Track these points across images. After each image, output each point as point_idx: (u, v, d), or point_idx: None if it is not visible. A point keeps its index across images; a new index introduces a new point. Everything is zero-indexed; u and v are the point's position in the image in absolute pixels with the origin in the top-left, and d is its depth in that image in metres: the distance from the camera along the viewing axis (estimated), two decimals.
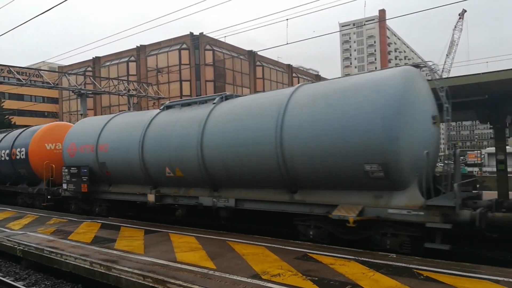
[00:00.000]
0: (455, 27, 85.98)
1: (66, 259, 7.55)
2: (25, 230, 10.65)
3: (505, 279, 5.32)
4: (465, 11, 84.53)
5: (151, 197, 11.18)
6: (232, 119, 9.42)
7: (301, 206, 8.38)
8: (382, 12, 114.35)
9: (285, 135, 8.11)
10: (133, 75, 47.35)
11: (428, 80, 8.64)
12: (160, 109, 12.09)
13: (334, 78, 9.30)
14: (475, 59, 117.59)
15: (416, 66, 8.28)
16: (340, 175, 7.63)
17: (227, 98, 10.57)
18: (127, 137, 11.79)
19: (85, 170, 12.89)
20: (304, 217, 8.42)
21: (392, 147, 6.93)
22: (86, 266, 7.06)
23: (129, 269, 6.44)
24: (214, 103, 10.40)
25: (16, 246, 8.89)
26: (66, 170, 13.60)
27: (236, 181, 9.45)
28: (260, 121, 8.71)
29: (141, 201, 11.75)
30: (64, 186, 13.80)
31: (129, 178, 12.05)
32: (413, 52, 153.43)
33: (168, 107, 11.84)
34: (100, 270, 6.76)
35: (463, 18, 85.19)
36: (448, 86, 8.28)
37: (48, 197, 15.25)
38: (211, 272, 6.14)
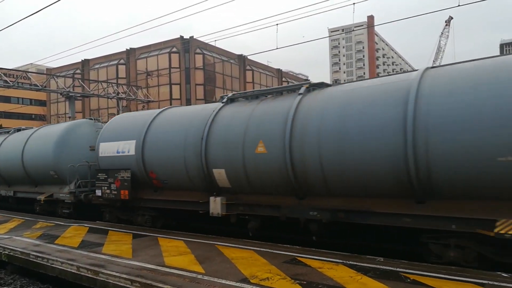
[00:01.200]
0: (442, 33, 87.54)
1: (53, 264, 7.45)
2: (11, 234, 10.50)
3: (490, 282, 5.42)
4: (452, 18, 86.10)
5: None
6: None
7: (36, 194, 14.56)
8: (371, 18, 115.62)
9: (24, 155, 14.76)
10: (123, 78, 47.05)
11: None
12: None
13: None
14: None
15: (91, 119, 15.03)
16: (46, 177, 13.96)
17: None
18: None
19: None
20: (36, 200, 14.49)
21: (56, 163, 13.34)
22: (73, 271, 6.98)
23: (117, 274, 6.38)
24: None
25: (1, 251, 8.75)
26: None
27: (16, 181, 15.96)
28: (17, 147, 15.35)
29: None
30: None
31: None
32: (400, 58, 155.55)
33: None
34: (87, 275, 6.69)
35: (449, 25, 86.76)
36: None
37: None
38: (199, 276, 6.13)
